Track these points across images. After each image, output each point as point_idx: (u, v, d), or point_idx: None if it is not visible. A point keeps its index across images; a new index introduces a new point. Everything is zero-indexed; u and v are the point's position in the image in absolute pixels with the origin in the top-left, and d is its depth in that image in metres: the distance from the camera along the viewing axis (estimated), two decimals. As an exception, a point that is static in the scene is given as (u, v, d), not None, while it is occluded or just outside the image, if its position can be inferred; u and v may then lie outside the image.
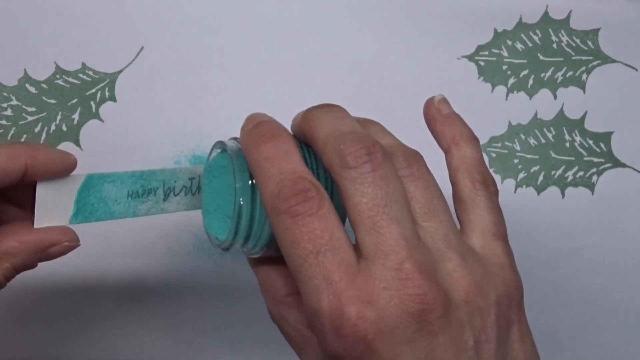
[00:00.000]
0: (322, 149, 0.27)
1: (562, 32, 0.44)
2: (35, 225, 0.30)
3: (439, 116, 0.31)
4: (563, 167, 0.44)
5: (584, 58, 0.44)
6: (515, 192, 0.44)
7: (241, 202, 0.28)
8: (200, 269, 0.44)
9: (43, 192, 0.30)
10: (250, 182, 0.28)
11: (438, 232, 0.27)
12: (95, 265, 0.43)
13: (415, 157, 0.28)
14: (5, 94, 0.44)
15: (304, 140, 0.29)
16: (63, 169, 0.31)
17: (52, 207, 0.30)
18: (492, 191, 0.29)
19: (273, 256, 0.30)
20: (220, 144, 0.31)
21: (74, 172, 0.31)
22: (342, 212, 0.27)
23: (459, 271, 0.26)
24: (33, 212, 0.30)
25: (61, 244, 0.30)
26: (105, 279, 0.43)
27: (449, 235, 0.27)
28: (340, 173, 0.26)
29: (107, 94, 0.44)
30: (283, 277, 0.31)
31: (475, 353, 0.26)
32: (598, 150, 0.44)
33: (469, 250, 0.27)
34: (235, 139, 0.30)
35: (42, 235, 0.30)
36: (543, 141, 0.44)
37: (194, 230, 0.44)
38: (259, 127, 0.29)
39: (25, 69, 0.44)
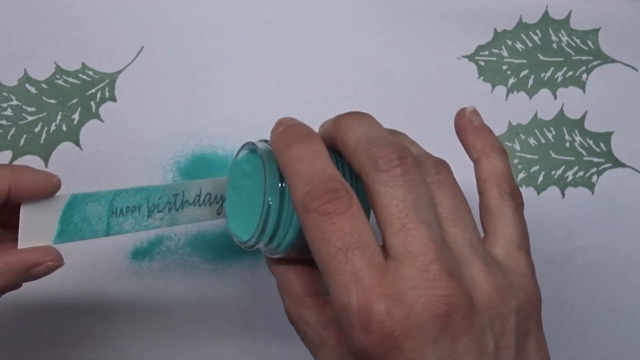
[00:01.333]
0: (353, 152, 0.28)
1: (562, 32, 0.44)
2: (19, 246, 0.30)
3: (470, 127, 0.32)
4: (563, 167, 0.44)
5: (584, 58, 0.44)
6: (515, 192, 0.44)
7: (270, 202, 0.29)
8: (196, 271, 0.44)
9: (27, 213, 0.30)
10: (279, 183, 0.29)
11: (463, 237, 0.27)
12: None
13: (442, 165, 0.28)
14: (5, 94, 0.44)
15: (332, 146, 0.30)
16: (47, 190, 0.31)
17: (36, 227, 0.30)
18: (518, 203, 0.30)
19: (294, 257, 0.31)
20: (250, 145, 0.31)
21: (59, 192, 0.31)
22: (366, 215, 0.27)
23: (482, 277, 0.27)
24: (17, 233, 0.30)
25: (45, 264, 0.31)
26: (99, 282, 0.43)
27: (474, 242, 0.27)
28: (372, 175, 0.26)
29: (107, 94, 0.44)
30: (302, 277, 0.32)
31: (494, 357, 0.26)
32: (598, 150, 0.44)
33: (492, 258, 0.28)
34: (265, 141, 0.31)
35: (26, 256, 0.30)
36: (543, 141, 0.44)
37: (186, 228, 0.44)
38: (290, 129, 0.29)
39: (25, 69, 0.44)
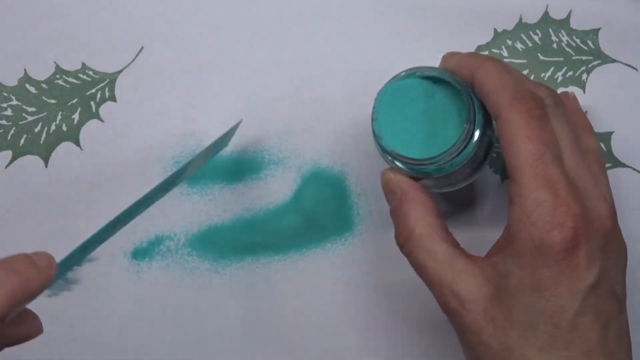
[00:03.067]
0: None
1: (562, 32, 0.44)
2: None
3: (575, 107, 0.40)
4: (563, 167, 0.44)
5: (584, 58, 0.44)
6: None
7: (469, 122, 0.33)
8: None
9: None
10: (473, 102, 0.34)
11: None
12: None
13: None
14: (5, 94, 0.44)
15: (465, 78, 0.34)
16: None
17: None
18: None
19: (441, 183, 0.37)
20: (424, 71, 0.35)
21: None
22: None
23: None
24: None
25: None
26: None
27: None
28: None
29: (107, 94, 0.44)
30: (432, 200, 0.35)
31: (619, 289, 0.32)
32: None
33: None
34: (418, 70, 0.35)
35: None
36: (543, 141, 0.44)
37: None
38: (474, 54, 0.36)
39: (25, 69, 0.44)
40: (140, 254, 0.44)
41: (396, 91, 0.36)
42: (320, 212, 0.43)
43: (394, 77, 0.36)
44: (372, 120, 0.36)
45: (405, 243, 0.34)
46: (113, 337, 0.43)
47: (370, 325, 0.43)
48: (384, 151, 0.36)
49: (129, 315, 0.44)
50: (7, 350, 0.41)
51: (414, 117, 0.35)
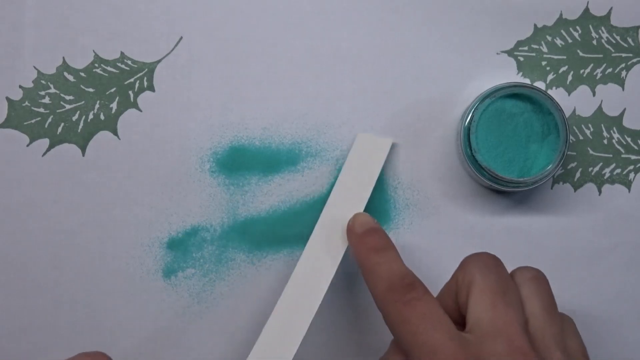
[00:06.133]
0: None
1: (603, 28, 0.44)
2: None
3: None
4: (600, 164, 0.44)
5: (623, 55, 0.44)
6: (552, 188, 0.44)
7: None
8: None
9: None
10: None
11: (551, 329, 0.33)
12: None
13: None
14: (43, 82, 0.44)
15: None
16: None
17: None
18: None
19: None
20: (517, 88, 0.40)
21: None
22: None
23: None
24: None
25: None
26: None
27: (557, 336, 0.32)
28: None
29: (145, 83, 0.44)
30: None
31: None
32: (636, 147, 0.44)
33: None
34: (516, 88, 0.40)
35: None
36: (581, 138, 0.44)
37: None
38: (369, 236, 0.37)
39: (63, 57, 0.44)
40: (176, 244, 0.44)
41: (496, 109, 0.40)
42: (357, 205, 0.43)
43: (493, 94, 0.40)
44: (470, 133, 0.39)
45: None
46: (147, 325, 0.43)
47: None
48: (479, 166, 0.39)
49: (162, 305, 0.44)
50: (48, 336, 0.41)
51: (504, 134, 0.40)
